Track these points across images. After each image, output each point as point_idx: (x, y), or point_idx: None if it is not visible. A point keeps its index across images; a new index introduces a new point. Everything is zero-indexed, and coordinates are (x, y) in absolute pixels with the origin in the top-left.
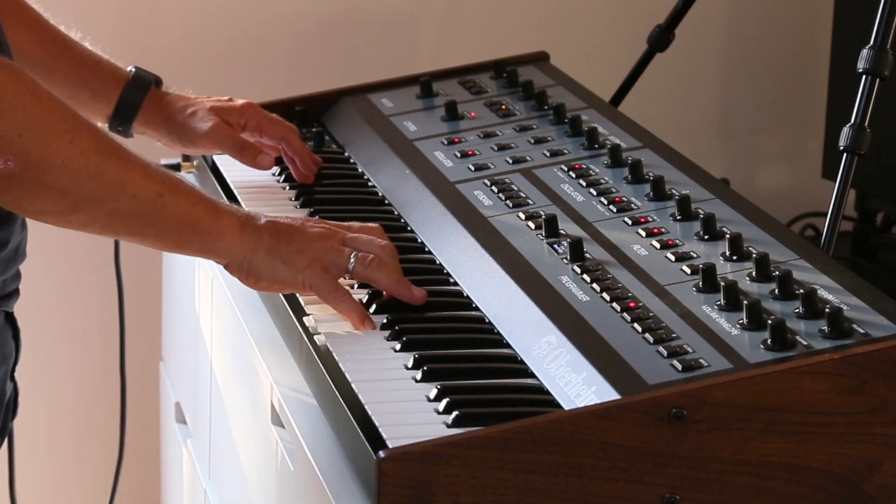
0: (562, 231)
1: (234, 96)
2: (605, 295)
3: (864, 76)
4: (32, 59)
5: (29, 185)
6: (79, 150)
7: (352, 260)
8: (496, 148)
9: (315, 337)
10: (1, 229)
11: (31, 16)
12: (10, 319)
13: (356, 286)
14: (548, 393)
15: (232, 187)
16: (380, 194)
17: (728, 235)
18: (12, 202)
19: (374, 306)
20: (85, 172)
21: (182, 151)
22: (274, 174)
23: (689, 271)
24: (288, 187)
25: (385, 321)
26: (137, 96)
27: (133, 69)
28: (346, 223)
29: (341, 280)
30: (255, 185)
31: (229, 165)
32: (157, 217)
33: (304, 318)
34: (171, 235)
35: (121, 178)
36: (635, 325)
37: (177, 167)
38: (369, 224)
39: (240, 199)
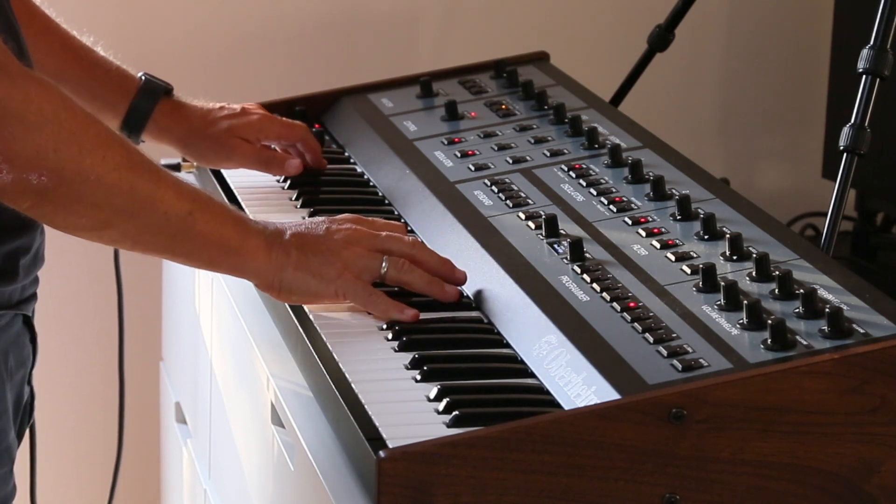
0: (562, 231)
1: (234, 96)
2: (605, 295)
3: (864, 76)
4: (42, 67)
5: (62, 200)
6: (112, 166)
7: (384, 265)
8: (496, 148)
9: (315, 336)
10: (24, 235)
11: (43, 21)
12: (28, 323)
13: None
14: (548, 393)
15: (232, 188)
16: (380, 194)
17: (728, 235)
18: (45, 217)
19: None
20: (118, 188)
21: (204, 166)
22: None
23: (689, 271)
24: (287, 187)
25: (385, 322)
26: (147, 106)
27: (143, 77)
28: (369, 219)
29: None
30: (255, 186)
31: None
32: (187, 235)
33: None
34: (202, 254)
35: (153, 194)
36: (635, 324)
37: (177, 167)
38: (392, 222)
39: (240, 200)
